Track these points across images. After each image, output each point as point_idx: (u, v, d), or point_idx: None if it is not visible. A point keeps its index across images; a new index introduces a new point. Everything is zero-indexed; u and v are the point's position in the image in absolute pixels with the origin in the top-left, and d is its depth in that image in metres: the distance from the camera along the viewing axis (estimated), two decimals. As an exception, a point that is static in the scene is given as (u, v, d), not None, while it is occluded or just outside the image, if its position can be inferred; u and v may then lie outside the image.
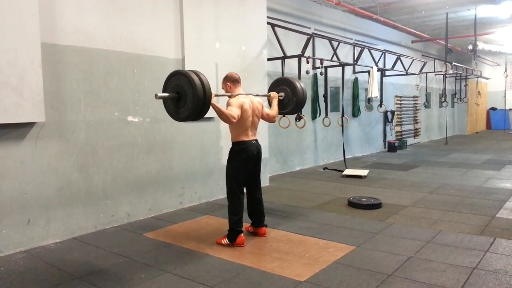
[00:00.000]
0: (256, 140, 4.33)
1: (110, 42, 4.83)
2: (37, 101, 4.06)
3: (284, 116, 7.52)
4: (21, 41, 3.91)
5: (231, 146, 4.27)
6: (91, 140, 4.67)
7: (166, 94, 3.69)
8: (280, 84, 4.91)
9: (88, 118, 4.63)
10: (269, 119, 4.56)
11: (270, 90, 4.95)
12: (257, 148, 4.30)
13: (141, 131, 5.19)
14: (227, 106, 4.07)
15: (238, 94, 4.20)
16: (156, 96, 3.62)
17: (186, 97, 3.58)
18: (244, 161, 4.20)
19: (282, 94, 4.80)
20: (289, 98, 4.81)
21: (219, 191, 6.22)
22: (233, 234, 4.16)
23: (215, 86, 6.02)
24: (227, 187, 4.27)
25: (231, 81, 4.28)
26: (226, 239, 4.19)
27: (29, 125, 4.13)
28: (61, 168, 4.42)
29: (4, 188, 3.98)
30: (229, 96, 4.20)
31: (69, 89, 4.47)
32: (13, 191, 4.04)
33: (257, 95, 4.57)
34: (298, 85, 4.78)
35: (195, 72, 3.63)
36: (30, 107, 4.01)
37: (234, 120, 3.96)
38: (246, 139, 4.21)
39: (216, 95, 3.91)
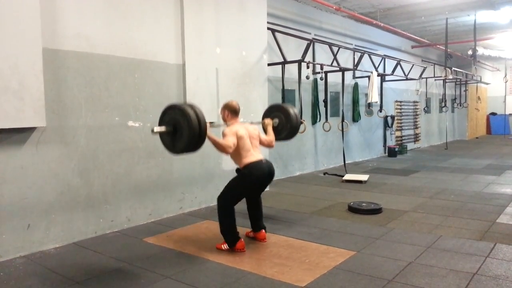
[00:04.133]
0: (266, 160, 4.29)
1: (111, 47, 4.85)
2: (38, 106, 4.08)
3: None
4: (22, 46, 3.93)
5: (241, 169, 4.18)
6: (92, 145, 4.68)
7: (162, 129, 3.67)
8: (274, 111, 4.95)
9: (88, 123, 4.65)
10: (268, 144, 4.54)
11: (263, 117, 4.97)
12: (269, 167, 4.25)
13: (142, 136, 5.20)
14: (222, 136, 4.06)
15: (232, 123, 4.22)
16: (152, 131, 3.62)
17: (182, 130, 3.58)
18: (253, 181, 4.14)
19: (276, 120, 4.81)
20: (283, 125, 4.84)
21: (219, 196, 6.22)
22: (232, 240, 4.15)
23: (216, 91, 6.06)
24: (222, 198, 4.19)
25: (230, 111, 4.27)
26: (226, 244, 4.18)
27: (30, 130, 4.14)
28: (61, 173, 4.42)
29: (5, 192, 3.99)
30: (227, 125, 4.26)
31: (70, 94, 4.49)
32: (13, 196, 4.05)
33: (252, 123, 4.60)
34: (291, 111, 4.82)
35: (190, 105, 3.64)
36: (31, 112, 4.02)
37: (230, 150, 3.95)
38: (253, 159, 4.14)
39: (211, 124, 3.92)
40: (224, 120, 4.32)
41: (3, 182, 3.98)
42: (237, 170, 4.23)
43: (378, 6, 10.05)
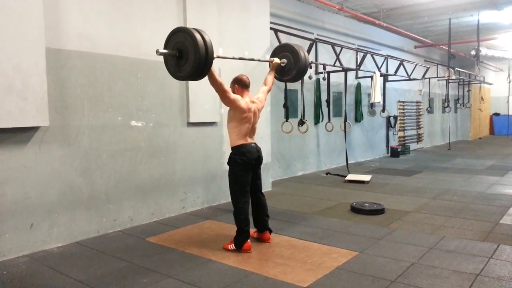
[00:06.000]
0: (255, 143, 4.33)
1: (114, 47, 4.85)
2: (41, 106, 4.09)
3: (286, 121, 7.59)
4: (26, 46, 3.94)
5: (231, 152, 4.24)
6: (95, 144, 4.69)
7: (166, 51, 3.57)
8: (284, 50, 4.79)
9: (91, 122, 4.65)
10: (266, 92, 4.55)
11: (272, 55, 4.85)
12: (258, 151, 4.29)
13: (144, 136, 5.20)
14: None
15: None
16: (157, 52, 3.52)
17: (187, 55, 3.49)
18: (245, 165, 4.16)
19: (285, 60, 4.68)
20: (291, 66, 4.70)
21: (221, 196, 6.22)
22: (241, 237, 4.13)
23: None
24: (231, 195, 4.24)
25: (240, 85, 4.25)
26: (233, 244, 4.17)
27: (33, 129, 4.15)
28: (64, 173, 4.43)
29: (8, 192, 4.00)
30: (233, 91, 4.23)
31: (73, 93, 4.49)
32: (16, 195, 4.06)
33: (259, 60, 4.64)
34: (301, 53, 4.66)
35: (198, 30, 3.55)
36: (34, 111, 4.03)
37: (218, 85, 3.86)
38: (244, 142, 4.19)
39: (218, 57, 3.83)
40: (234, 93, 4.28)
41: (6, 182, 3.99)
42: (228, 162, 4.25)
43: (381, 6, 10.03)
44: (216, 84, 3.87)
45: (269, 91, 4.62)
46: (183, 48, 3.53)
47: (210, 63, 3.58)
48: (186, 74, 3.61)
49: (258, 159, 4.28)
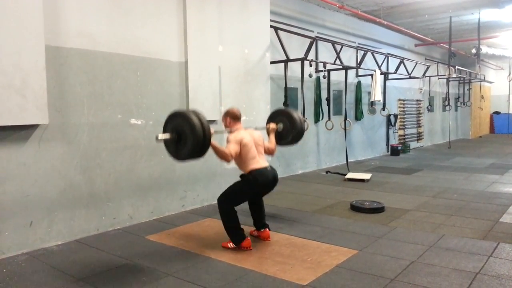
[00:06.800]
0: (271, 166, 4.29)
1: (114, 45, 4.85)
2: (41, 103, 4.08)
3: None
4: (25, 43, 3.94)
5: (245, 176, 4.17)
6: (94, 142, 4.68)
7: (167, 136, 3.65)
8: (278, 115, 4.92)
9: (91, 120, 4.65)
10: (269, 153, 4.53)
11: (268, 122, 4.94)
12: (273, 174, 4.25)
13: (144, 134, 5.20)
14: (226, 142, 4.07)
15: (237, 129, 4.21)
16: (156, 138, 3.61)
17: (186, 137, 3.57)
18: (257, 187, 4.15)
19: (281, 125, 4.78)
20: (288, 130, 4.81)
21: (221, 194, 6.22)
22: (236, 235, 4.14)
23: (218, 89, 6.05)
24: (224, 197, 4.17)
25: (231, 117, 4.28)
26: (232, 242, 4.17)
27: (33, 127, 4.15)
28: (63, 170, 4.43)
29: (7, 190, 4.00)
30: (229, 132, 4.24)
31: (73, 91, 4.49)
32: (16, 193, 4.06)
33: (256, 128, 4.60)
34: (296, 116, 4.79)
35: (194, 112, 3.63)
36: (34, 109, 4.03)
37: (230, 159, 3.97)
38: (258, 166, 4.15)
39: (216, 132, 3.92)
40: (227, 127, 4.32)
41: (5, 179, 3.98)
42: (241, 176, 4.22)
43: (382, 4, 10.01)
44: (225, 157, 3.93)
45: (271, 151, 4.51)
46: (181, 131, 3.60)
47: (208, 144, 3.63)
48: (185, 156, 3.68)
49: (274, 181, 4.25)
